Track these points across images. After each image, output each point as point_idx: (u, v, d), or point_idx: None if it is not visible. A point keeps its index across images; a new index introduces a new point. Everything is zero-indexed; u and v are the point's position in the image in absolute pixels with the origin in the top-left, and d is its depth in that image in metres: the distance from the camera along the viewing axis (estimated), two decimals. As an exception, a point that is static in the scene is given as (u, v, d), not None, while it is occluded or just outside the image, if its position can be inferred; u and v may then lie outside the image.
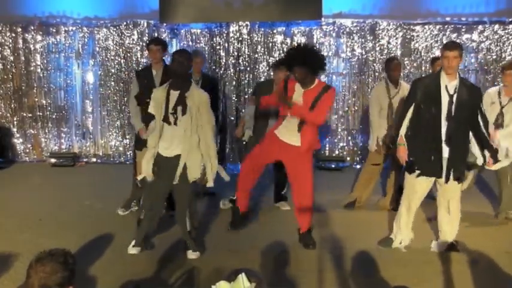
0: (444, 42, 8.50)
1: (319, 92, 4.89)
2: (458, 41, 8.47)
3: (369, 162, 6.53)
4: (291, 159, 5.11)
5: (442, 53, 4.70)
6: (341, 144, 9.06)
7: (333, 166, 8.76)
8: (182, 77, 4.62)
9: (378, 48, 8.68)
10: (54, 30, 9.01)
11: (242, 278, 2.62)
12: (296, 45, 5.92)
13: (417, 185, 4.90)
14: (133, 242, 4.93)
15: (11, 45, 9.07)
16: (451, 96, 4.67)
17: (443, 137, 4.70)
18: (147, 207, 4.99)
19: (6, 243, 5.11)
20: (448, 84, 4.69)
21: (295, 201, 5.23)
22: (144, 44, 8.79)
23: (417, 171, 4.82)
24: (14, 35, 9.01)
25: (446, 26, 8.56)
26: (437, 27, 8.57)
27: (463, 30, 8.57)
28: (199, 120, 4.63)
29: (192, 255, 4.84)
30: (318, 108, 4.85)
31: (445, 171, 4.74)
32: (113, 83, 9.08)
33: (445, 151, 4.71)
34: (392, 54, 8.33)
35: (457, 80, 4.70)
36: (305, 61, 4.79)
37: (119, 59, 9.01)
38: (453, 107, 4.66)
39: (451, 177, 4.74)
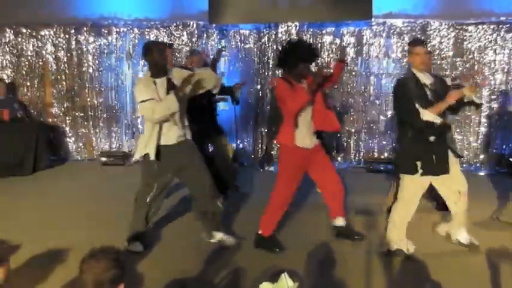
0: (499, 42, 8.32)
1: None
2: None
3: None
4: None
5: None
6: (390, 146, 8.92)
7: (382, 168, 8.62)
8: None
9: (429, 49, 8.49)
10: (105, 32, 9.20)
11: (285, 277, 2.60)
12: None
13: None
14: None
15: (64, 46, 9.31)
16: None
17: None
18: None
19: (59, 238, 5.22)
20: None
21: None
22: (193, 45, 8.90)
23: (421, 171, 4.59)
24: (67, 36, 9.25)
25: (500, 26, 8.29)
26: (492, 27, 8.32)
27: (519, 30, 8.30)
28: None
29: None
30: None
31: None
32: (162, 83, 9.16)
33: None
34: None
35: None
36: None
37: (169, 60, 9.09)
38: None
39: None
